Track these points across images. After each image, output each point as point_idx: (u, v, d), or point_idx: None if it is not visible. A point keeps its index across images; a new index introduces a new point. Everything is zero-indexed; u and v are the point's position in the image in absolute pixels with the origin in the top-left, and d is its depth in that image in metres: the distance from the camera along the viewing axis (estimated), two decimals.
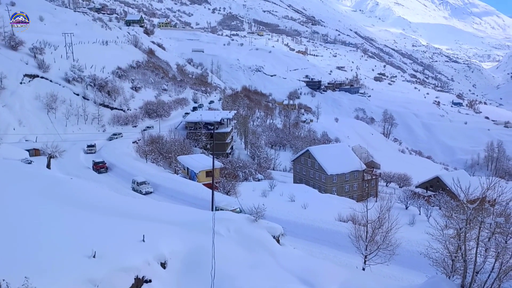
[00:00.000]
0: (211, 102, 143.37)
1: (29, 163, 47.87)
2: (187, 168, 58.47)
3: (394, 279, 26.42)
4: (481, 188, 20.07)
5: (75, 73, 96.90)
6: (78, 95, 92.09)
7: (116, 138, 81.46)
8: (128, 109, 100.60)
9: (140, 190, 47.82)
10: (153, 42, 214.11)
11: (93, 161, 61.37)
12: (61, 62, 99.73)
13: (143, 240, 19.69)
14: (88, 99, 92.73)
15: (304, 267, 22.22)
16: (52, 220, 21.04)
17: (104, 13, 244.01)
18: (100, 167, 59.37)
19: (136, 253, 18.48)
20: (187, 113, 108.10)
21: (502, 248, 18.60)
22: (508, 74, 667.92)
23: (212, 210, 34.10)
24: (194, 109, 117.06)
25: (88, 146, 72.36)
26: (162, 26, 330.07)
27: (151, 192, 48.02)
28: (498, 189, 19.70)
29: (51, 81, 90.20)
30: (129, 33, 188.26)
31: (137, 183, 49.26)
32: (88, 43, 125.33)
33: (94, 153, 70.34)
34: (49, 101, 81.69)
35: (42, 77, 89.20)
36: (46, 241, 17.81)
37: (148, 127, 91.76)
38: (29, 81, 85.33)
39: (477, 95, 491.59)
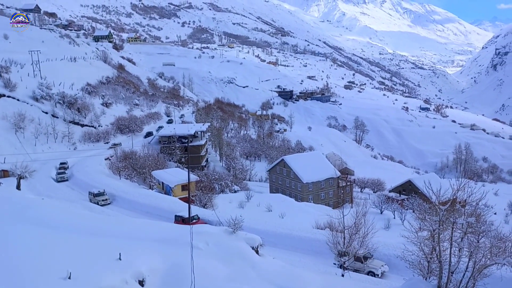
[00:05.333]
0: (170, 121, 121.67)
1: None
2: (162, 183, 57.76)
3: (372, 283, 26.75)
4: (452, 190, 20.68)
5: (43, 91, 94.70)
6: (47, 113, 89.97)
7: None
8: (99, 126, 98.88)
9: None
10: (122, 57, 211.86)
11: (176, 216, 41.15)
12: (28, 80, 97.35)
13: (120, 259, 19.32)
14: (57, 117, 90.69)
15: (285, 277, 22.26)
16: (25, 243, 20.41)
17: (71, 30, 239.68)
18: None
19: (113, 272, 18.13)
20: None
21: (475, 247, 19.15)
22: (471, 78, 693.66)
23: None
24: (148, 134, 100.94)
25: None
26: (132, 41, 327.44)
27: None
28: (467, 190, 20.34)
29: (18, 100, 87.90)
30: (97, 49, 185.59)
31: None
32: (56, 60, 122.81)
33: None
34: (16, 121, 79.46)
35: (8, 96, 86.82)
36: (19, 265, 17.26)
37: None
38: None
39: (443, 100, 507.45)
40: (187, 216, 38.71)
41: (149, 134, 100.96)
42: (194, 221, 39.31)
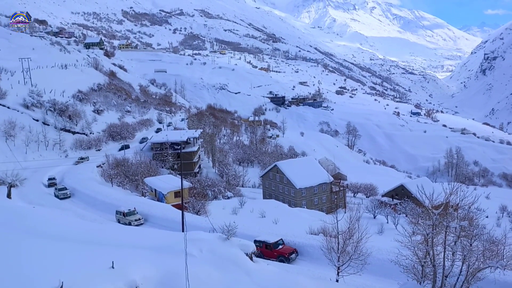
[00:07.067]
0: (158, 130, 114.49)
1: None
2: (155, 190, 57.41)
3: None
4: (444, 194, 20.80)
5: (33, 98, 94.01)
6: (37, 121, 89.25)
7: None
8: (90, 133, 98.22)
9: None
10: (114, 64, 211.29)
11: (256, 241, 32.82)
12: (18, 88, 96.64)
13: (112, 267, 19.11)
14: (48, 125, 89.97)
15: (279, 283, 22.16)
16: (16, 252, 20.14)
17: (62, 37, 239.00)
18: None
19: (106, 281, 17.92)
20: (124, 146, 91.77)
21: (468, 251, 19.26)
22: (461, 83, 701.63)
23: (183, 231, 33.51)
24: (123, 147, 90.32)
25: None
26: (123, 47, 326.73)
27: None
28: (460, 193, 20.46)
29: (8, 107, 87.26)
30: (89, 56, 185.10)
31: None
32: (46, 67, 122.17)
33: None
34: (7, 129, 78.70)
35: None
36: (9, 275, 17.00)
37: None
38: None
39: (434, 104, 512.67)
40: (271, 241, 32.67)
41: (124, 147, 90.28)
42: (280, 247, 33.30)
